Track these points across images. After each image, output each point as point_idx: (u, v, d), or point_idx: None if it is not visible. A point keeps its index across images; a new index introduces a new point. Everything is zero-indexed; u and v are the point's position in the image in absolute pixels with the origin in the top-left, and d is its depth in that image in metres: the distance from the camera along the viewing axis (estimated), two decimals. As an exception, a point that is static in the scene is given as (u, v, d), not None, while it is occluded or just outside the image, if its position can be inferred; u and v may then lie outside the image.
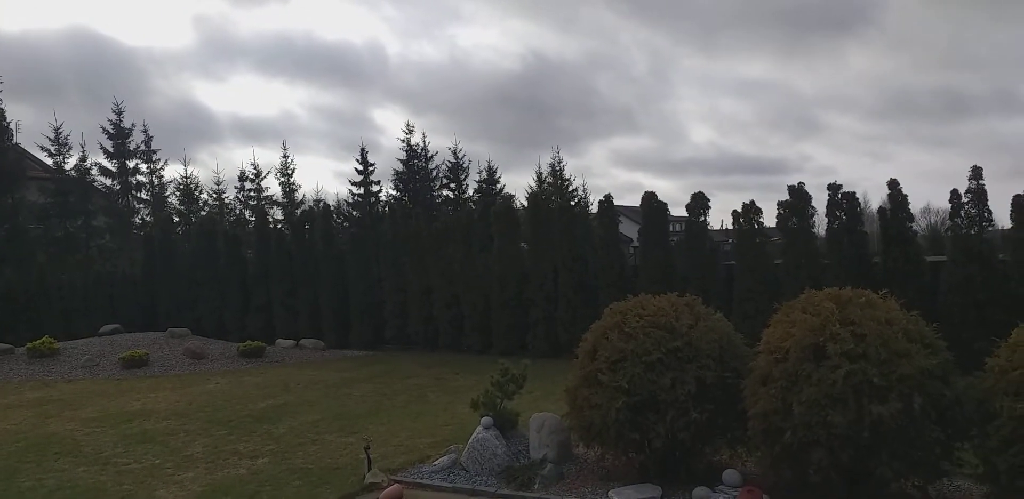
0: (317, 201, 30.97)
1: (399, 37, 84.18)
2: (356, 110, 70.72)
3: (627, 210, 30.48)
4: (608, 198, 15.77)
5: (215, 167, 73.33)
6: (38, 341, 16.23)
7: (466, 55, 78.39)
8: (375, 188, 31.25)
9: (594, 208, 17.80)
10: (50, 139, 27.92)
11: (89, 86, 50.60)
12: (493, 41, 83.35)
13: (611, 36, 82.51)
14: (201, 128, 57.72)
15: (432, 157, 31.08)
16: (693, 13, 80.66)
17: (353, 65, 74.98)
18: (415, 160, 30.92)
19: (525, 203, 19.22)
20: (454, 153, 30.92)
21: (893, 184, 12.77)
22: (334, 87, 75.48)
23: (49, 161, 28.42)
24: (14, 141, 26.36)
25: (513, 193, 31.58)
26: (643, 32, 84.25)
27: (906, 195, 12.74)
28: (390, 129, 74.62)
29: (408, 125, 31.22)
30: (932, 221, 41.80)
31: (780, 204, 13.41)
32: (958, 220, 12.32)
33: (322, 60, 74.23)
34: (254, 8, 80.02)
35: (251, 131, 63.74)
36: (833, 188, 13.14)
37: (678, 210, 15.79)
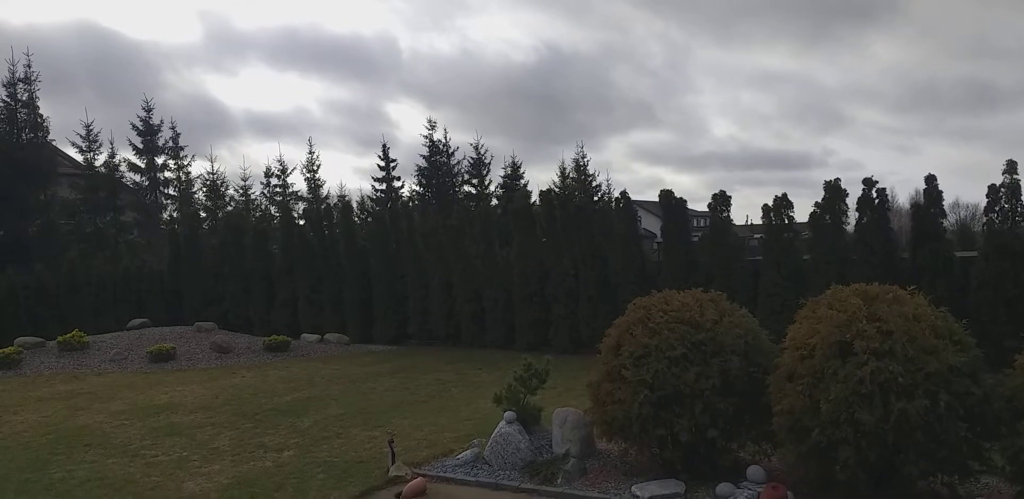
0: (341, 197, 31.22)
1: (409, 29, 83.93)
2: (370, 104, 70.64)
3: (650, 205, 30.38)
4: (624, 195, 15.70)
5: (234, 163, 73.63)
6: (68, 335, 16.50)
7: (478, 48, 78.02)
8: (397, 184, 31.44)
9: (617, 204, 17.69)
10: (81, 136, 28.36)
11: (99, 80, 50.43)
12: (504, 33, 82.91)
13: (624, 27, 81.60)
14: (216, 123, 57.75)
15: (454, 153, 31.16)
16: (706, 2, 79.58)
17: (365, 59, 74.81)
18: (437, 156, 31.01)
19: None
20: (476, 149, 30.98)
21: (930, 179, 12.59)
22: (347, 81, 75.50)
23: (79, 157, 28.88)
24: (47, 138, 26.79)
25: (534, 189, 31.51)
26: (656, 22, 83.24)
27: (941, 191, 12.56)
28: (405, 123, 74.31)
29: (430, 121, 31.41)
30: (961, 216, 41.16)
31: (816, 203, 13.25)
32: (992, 215, 12.10)
33: (333, 53, 74.30)
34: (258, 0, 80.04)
35: (267, 126, 63.92)
36: (868, 183, 12.96)
37: (701, 205, 15.72)
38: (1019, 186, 11.94)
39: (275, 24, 77.67)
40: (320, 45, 73.11)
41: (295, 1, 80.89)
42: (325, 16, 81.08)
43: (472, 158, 31.06)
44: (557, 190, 28.41)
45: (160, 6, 76.34)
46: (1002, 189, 12.01)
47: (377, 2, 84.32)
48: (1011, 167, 12.00)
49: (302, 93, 77.26)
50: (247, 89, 75.29)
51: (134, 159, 30.19)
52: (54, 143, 27.92)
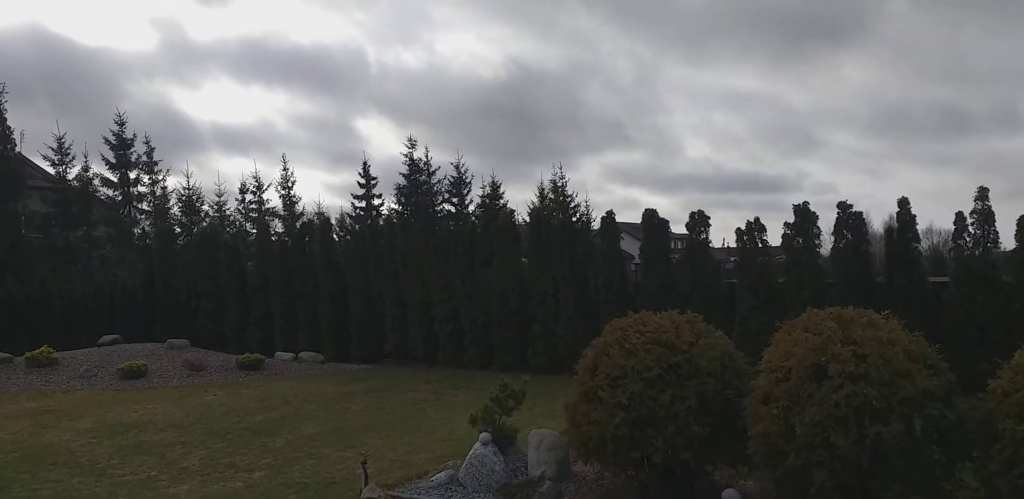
0: (319, 214, 31.10)
1: (374, 43, 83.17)
2: (339, 120, 69.59)
3: (627, 226, 30.45)
4: (610, 214, 15.81)
5: (202, 178, 72.30)
6: (37, 351, 16.18)
7: (446, 63, 77.31)
8: (376, 201, 31.42)
9: (596, 224, 17.81)
10: (53, 149, 28.07)
11: (53, 88, 48.75)
12: (471, 48, 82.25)
13: (591, 43, 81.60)
14: (182, 137, 56.36)
15: (435, 172, 31.23)
16: (673, 19, 80.00)
17: (332, 73, 73.41)
18: (417, 174, 31.05)
19: (527, 218, 19.21)
20: (457, 168, 31.05)
21: (903, 203, 12.78)
22: (314, 95, 74.19)
23: (51, 170, 28.55)
24: (17, 149, 26.46)
25: (514, 208, 31.55)
26: (624, 39, 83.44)
27: (914, 215, 12.77)
28: (375, 140, 73.45)
29: (411, 140, 31.42)
30: (934, 242, 41.72)
31: (787, 224, 13.42)
32: (961, 241, 12.31)
33: (299, 67, 72.88)
34: (216, 8, 78.86)
35: (234, 141, 62.84)
36: (842, 207, 13.15)
37: (676, 227, 15.82)
38: (991, 212, 12.17)
39: (234, 34, 76.88)
40: (284, 58, 71.94)
41: (251, 11, 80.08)
42: (286, 28, 79.97)
43: (452, 177, 31.13)
44: (538, 209, 28.45)
45: (110, 12, 74.87)
46: (973, 215, 12.23)
47: (337, 14, 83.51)
48: (982, 194, 12.25)
49: (269, 107, 76.18)
50: (211, 102, 74.15)
51: (107, 173, 29.91)
52: (25, 155, 27.59)
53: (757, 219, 13.84)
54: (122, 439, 9.93)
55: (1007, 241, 12.40)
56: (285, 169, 32.28)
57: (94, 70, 58.47)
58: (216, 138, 63.13)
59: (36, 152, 28.49)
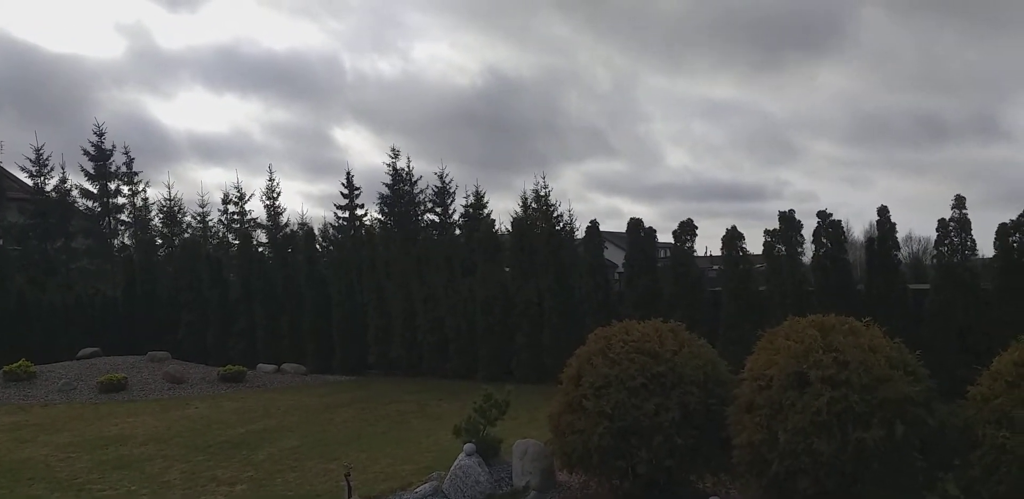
0: (302, 224, 30.92)
1: (349, 51, 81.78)
2: (316, 129, 68.15)
3: (611, 235, 30.57)
4: (594, 224, 15.86)
5: (179, 189, 70.81)
6: (15, 364, 15.97)
7: (422, 71, 76.33)
8: (359, 211, 31.32)
9: (580, 233, 17.85)
10: (31, 160, 27.80)
11: (23, 95, 47.42)
12: (446, 55, 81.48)
13: (568, 52, 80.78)
14: (156, 147, 54.50)
15: (417, 181, 31.17)
16: (648, 28, 79.82)
17: (307, 82, 71.86)
18: (400, 184, 30.98)
19: (509, 228, 19.21)
20: (441, 178, 31.02)
21: (883, 211, 12.93)
22: (290, 104, 73.16)
23: (30, 182, 28.27)
24: (-2, 161, 26.25)
25: (496, 218, 31.43)
26: (599, 48, 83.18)
27: (894, 223, 12.90)
28: (354, 149, 72.52)
29: (394, 150, 31.35)
30: (914, 249, 42.15)
31: (767, 232, 13.49)
32: (942, 249, 12.44)
33: (273, 76, 71.21)
34: (183, 15, 77.75)
35: (210, 151, 61.32)
36: (822, 216, 13.25)
37: (659, 236, 15.86)
38: (968, 220, 12.33)
39: (205, 42, 75.35)
40: (257, 66, 70.17)
41: (221, 19, 78.95)
42: (257, 36, 78.39)
43: (436, 186, 31.09)
44: (521, 219, 28.45)
45: (74, 17, 72.91)
46: (951, 223, 12.38)
47: (309, 23, 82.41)
48: (960, 202, 12.42)
49: (244, 116, 74.58)
50: (185, 111, 72.61)
51: (86, 184, 29.65)
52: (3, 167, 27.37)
53: (734, 227, 13.93)
54: (102, 453, 9.79)
55: (984, 248, 12.57)
56: (271, 179, 32.11)
57: (62, 78, 56.91)
58: (192, 148, 61.87)
59: (13, 163, 28.16)
